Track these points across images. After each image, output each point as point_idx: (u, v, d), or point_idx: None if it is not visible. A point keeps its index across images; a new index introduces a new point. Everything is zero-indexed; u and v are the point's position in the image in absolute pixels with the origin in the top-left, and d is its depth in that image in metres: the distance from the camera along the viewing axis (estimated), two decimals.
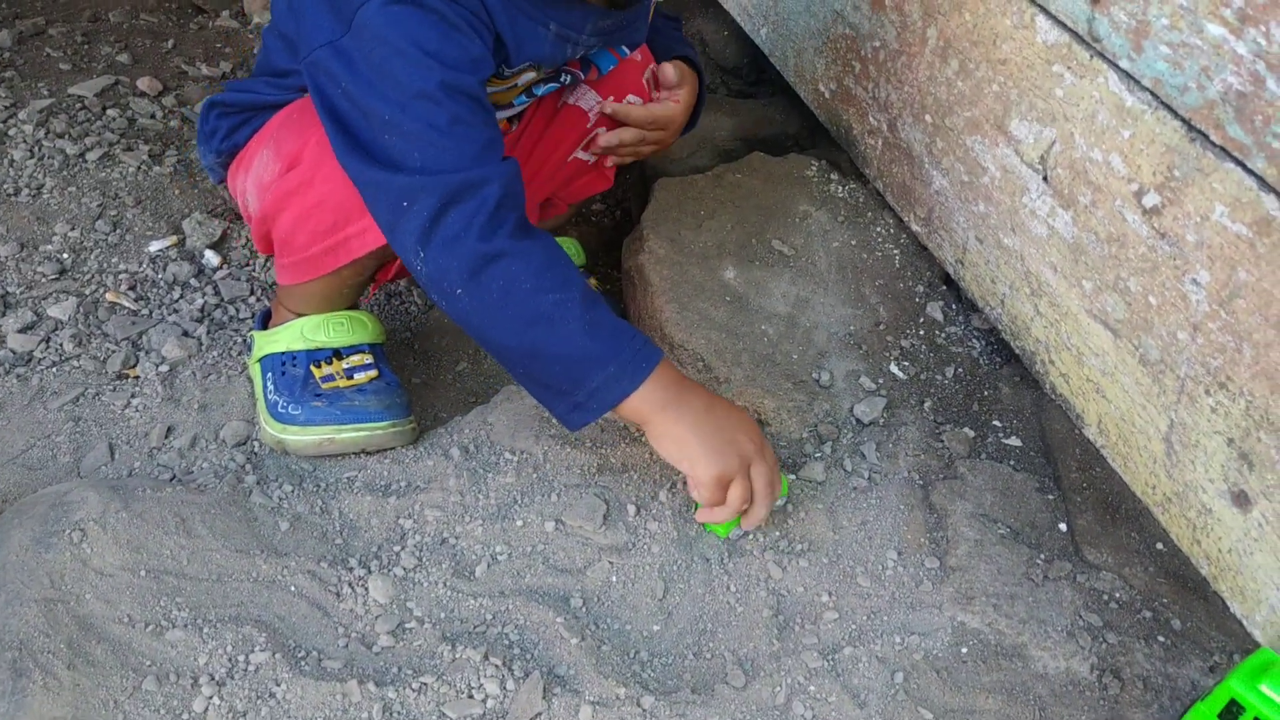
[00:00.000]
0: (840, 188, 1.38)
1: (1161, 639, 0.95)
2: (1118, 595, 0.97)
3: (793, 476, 1.07)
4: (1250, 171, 0.87)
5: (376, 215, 0.95)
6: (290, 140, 1.06)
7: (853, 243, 1.31)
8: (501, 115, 1.15)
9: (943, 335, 1.23)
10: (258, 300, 1.38)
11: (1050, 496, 1.06)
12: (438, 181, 0.91)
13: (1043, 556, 1.00)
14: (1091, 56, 1.01)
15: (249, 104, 1.15)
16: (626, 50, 1.16)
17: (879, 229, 1.33)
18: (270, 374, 1.14)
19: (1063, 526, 1.03)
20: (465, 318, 0.95)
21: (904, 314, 1.24)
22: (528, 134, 1.23)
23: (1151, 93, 0.96)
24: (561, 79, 1.14)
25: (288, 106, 1.10)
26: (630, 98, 1.21)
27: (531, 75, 1.08)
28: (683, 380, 0.98)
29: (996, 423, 1.14)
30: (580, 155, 1.25)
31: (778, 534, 1.03)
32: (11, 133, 1.58)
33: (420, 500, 1.05)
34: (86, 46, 1.84)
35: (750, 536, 1.02)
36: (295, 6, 1.00)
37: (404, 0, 0.91)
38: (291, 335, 1.14)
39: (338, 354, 1.15)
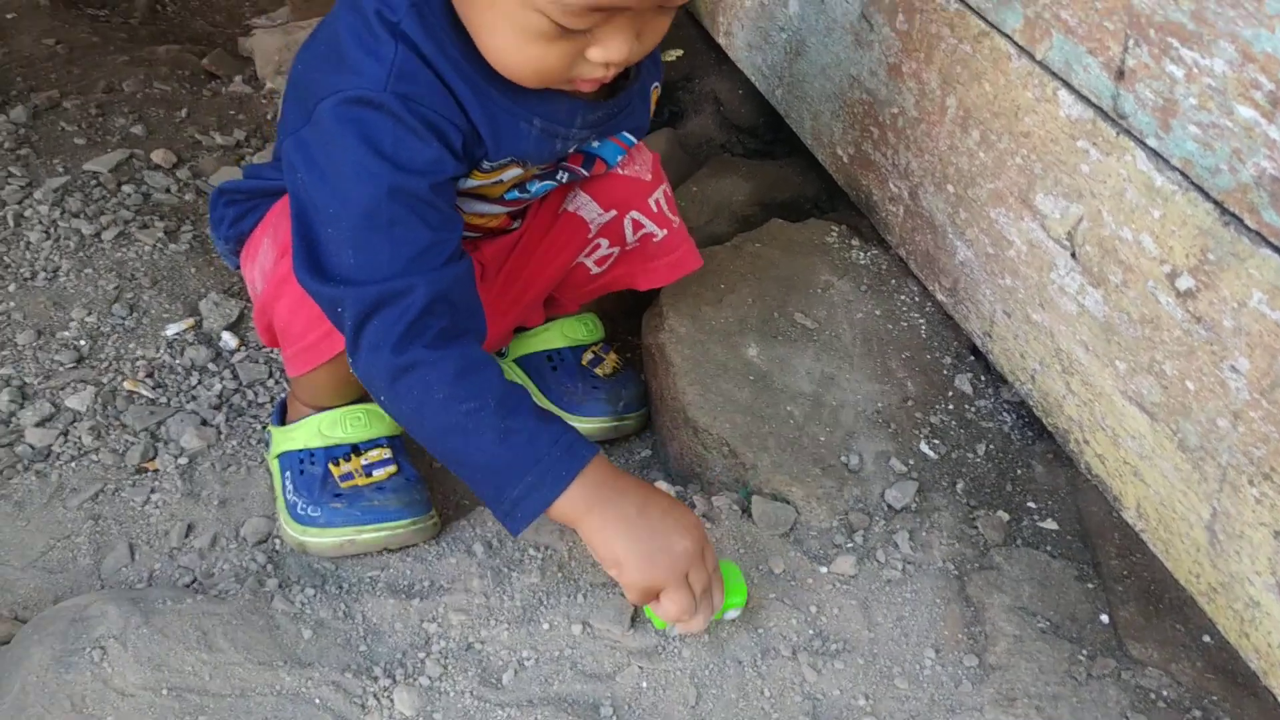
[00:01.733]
0: (862, 254, 1.36)
1: None
2: (1165, 693, 0.94)
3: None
4: None
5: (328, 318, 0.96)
6: (286, 228, 1.04)
7: (877, 313, 1.29)
8: (496, 210, 1.13)
9: (973, 410, 1.21)
10: (276, 383, 1.37)
11: (1090, 585, 1.03)
12: (359, 293, 0.91)
13: (1085, 652, 0.97)
14: (1118, 133, 0.99)
15: (256, 190, 1.14)
16: (631, 138, 1.13)
17: (903, 297, 1.31)
18: (288, 473, 1.13)
19: (1104, 618, 1.01)
20: (395, 419, 0.97)
21: (932, 388, 1.22)
22: (528, 236, 1.21)
23: (1182, 173, 0.93)
24: (558, 177, 1.11)
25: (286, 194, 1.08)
26: (634, 214, 1.19)
27: (518, 171, 1.05)
28: (617, 478, 0.95)
29: (1031, 504, 1.12)
30: (586, 263, 1.23)
31: (811, 632, 1.00)
32: (28, 214, 1.58)
33: (444, 602, 1.03)
34: (101, 119, 1.85)
35: (782, 636, 0.99)
36: (286, 97, 1.00)
37: (360, 101, 0.90)
38: (309, 432, 1.13)
39: (356, 449, 1.13)
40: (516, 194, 1.09)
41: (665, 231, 1.23)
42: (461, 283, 0.95)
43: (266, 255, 1.09)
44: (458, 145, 0.95)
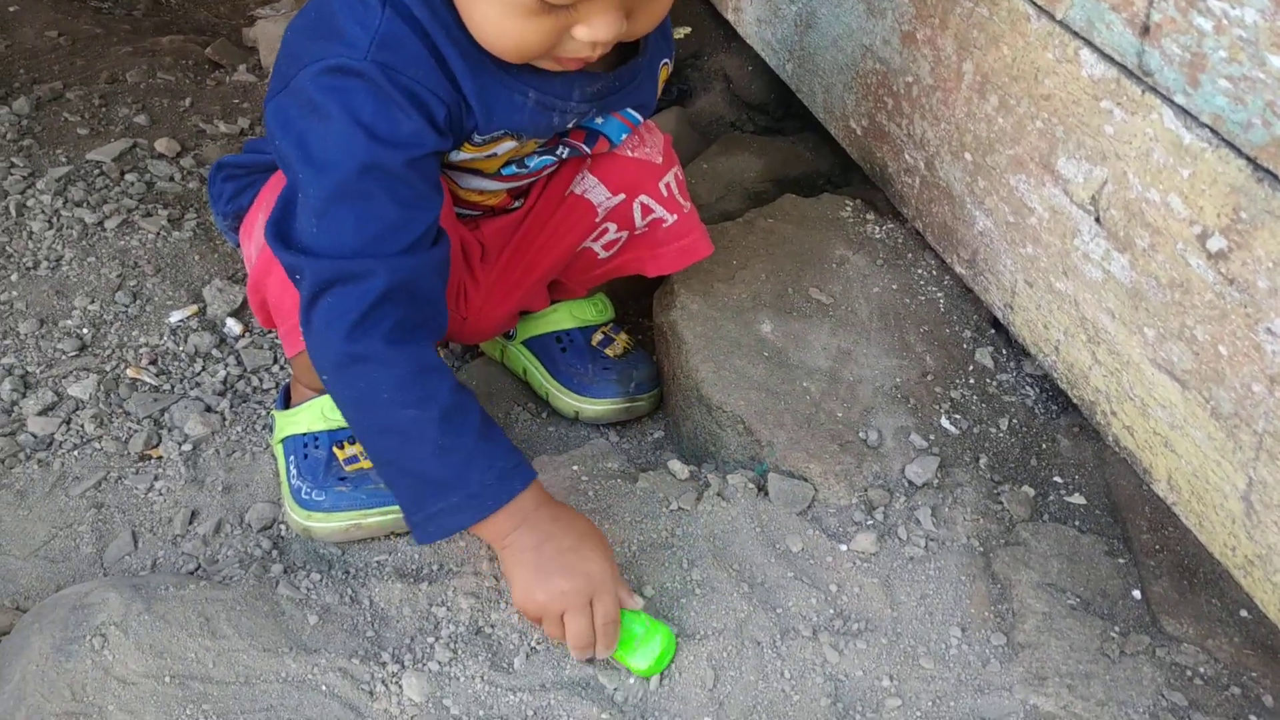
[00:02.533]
0: (877, 228, 1.33)
1: (1254, 718, 0.88)
2: (1202, 670, 0.91)
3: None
4: None
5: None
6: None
7: (894, 287, 1.26)
8: (494, 187, 1.10)
9: (994, 384, 1.17)
10: (281, 369, 1.35)
11: (1121, 560, 1.00)
12: (317, 265, 0.89)
13: (1117, 629, 0.94)
14: (1143, 91, 0.96)
15: (255, 165, 1.12)
16: (637, 116, 1.10)
17: (920, 271, 1.28)
18: (293, 457, 1.11)
19: (1136, 594, 0.97)
20: (334, 401, 0.96)
21: (952, 362, 1.19)
22: (533, 218, 1.17)
23: (1211, 129, 0.90)
24: (559, 152, 1.08)
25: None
26: (643, 198, 1.16)
27: (512, 144, 1.02)
28: (538, 509, 0.95)
29: (1057, 479, 1.08)
30: (593, 248, 1.20)
31: (831, 612, 0.97)
32: (30, 203, 1.56)
33: (453, 586, 1.00)
34: (104, 109, 1.83)
35: (802, 616, 0.96)
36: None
37: (340, 70, 0.88)
38: (312, 415, 1.10)
39: None
40: (514, 169, 1.06)
41: (675, 216, 1.20)
42: (427, 272, 0.92)
43: (262, 230, 1.06)
44: (440, 118, 0.92)
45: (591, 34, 0.85)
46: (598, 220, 1.18)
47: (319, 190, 0.89)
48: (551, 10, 0.84)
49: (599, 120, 1.07)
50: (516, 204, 1.17)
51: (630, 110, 1.09)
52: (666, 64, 1.10)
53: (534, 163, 1.07)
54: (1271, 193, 0.85)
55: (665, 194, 1.19)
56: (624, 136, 1.12)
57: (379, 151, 0.88)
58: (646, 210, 1.19)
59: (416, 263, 0.90)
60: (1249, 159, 0.87)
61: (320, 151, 0.88)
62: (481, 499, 0.92)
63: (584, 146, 1.10)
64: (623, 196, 1.17)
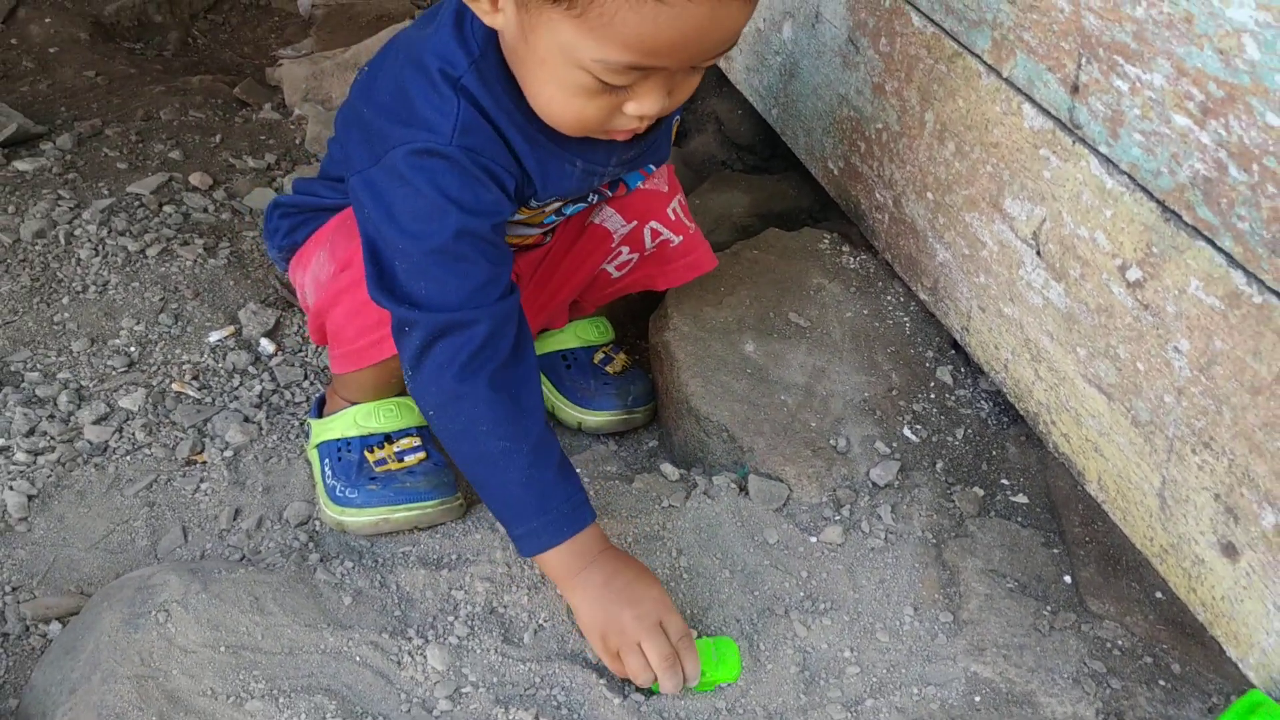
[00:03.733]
0: (852, 259, 1.47)
1: (1162, 683, 1.01)
2: (1120, 643, 1.04)
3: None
4: (1219, 249, 0.95)
5: (393, 331, 1.07)
6: (343, 245, 1.16)
7: (865, 312, 1.40)
8: (532, 231, 1.25)
9: (952, 398, 1.31)
10: (310, 385, 1.48)
11: (1055, 550, 1.13)
12: (430, 318, 1.02)
13: (1049, 608, 1.07)
14: (1074, 142, 1.10)
15: (308, 206, 1.25)
16: (652, 166, 1.26)
17: (889, 298, 1.42)
18: (327, 460, 1.24)
19: (1067, 579, 1.11)
20: (437, 434, 1.09)
21: (915, 379, 1.33)
22: (557, 246, 1.33)
23: (1129, 176, 1.04)
24: (590, 199, 1.24)
25: (342, 213, 1.20)
26: (653, 223, 1.31)
27: (559, 203, 1.18)
28: (601, 547, 1.07)
29: (1004, 481, 1.22)
30: (608, 269, 1.35)
31: (802, 594, 1.11)
32: (77, 233, 1.69)
33: (470, 572, 1.14)
34: (141, 145, 1.97)
35: (776, 597, 1.10)
36: (343, 137, 1.11)
37: (429, 152, 1.00)
38: (345, 423, 1.24)
39: (389, 438, 1.24)
40: (554, 218, 1.23)
41: (681, 237, 1.35)
42: (514, 315, 1.06)
43: (322, 267, 1.20)
44: (511, 189, 1.07)
45: (640, 109, 0.97)
46: (613, 245, 1.33)
47: (418, 253, 1.01)
48: (608, 90, 0.95)
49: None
50: (546, 239, 1.32)
51: (649, 164, 1.26)
52: (678, 119, 1.25)
53: (570, 210, 1.23)
54: (1176, 231, 0.99)
55: (673, 218, 1.34)
56: (639, 183, 1.28)
57: (469, 220, 1.02)
58: (655, 234, 1.34)
59: (508, 308, 1.05)
60: (1159, 202, 1.01)
61: (413, 221, 1.01)
62: (557, 527, 1.05)
63: (608, 193, 1.27)
64: (635, 223, 1.32)
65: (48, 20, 2.34)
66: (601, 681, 1.03)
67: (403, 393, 1.28)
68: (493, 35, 1.02)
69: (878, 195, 1.44)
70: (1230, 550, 0.97)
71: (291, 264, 1.27)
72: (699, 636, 1.06)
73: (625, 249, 1.34)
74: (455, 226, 1.01)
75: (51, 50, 2.27)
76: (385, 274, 1.04)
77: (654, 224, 1.33)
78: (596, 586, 1.05)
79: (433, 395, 1.04)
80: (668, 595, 1.06)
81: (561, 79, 0.95)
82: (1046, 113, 1.13)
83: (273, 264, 1.67)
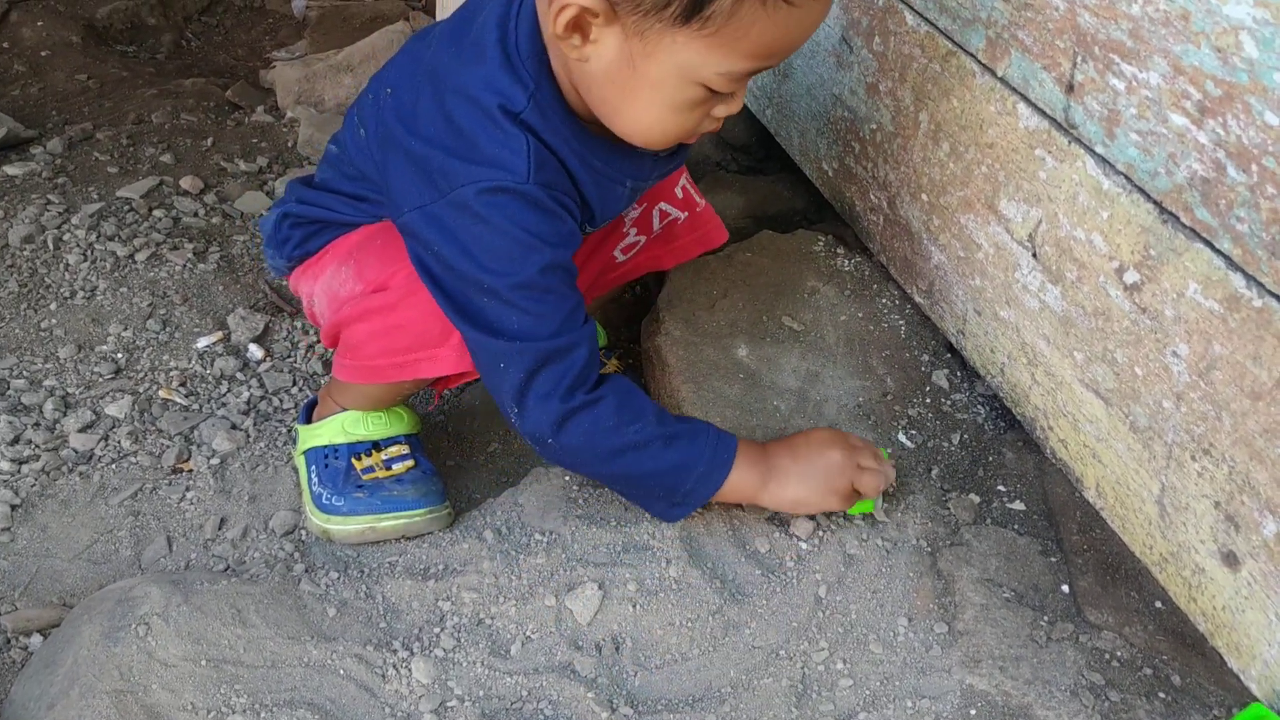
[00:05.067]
0: (846, 262, 1.45)
1: (1162, 695, 0.99)
2: (1119, 654, 1.02)
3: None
4: (1218, 251, 0.93)
5: (478, 366, 1.06)
6: (374, 266, 1.14)
7: (859, 315, 1.38)
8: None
9: (948, 403, 1.29)
10: (300, 390, 1.46)
11: (1053, 559, 1.11)
12: (532, 348, 1.01)
13: (1046, 618, 1.05)
14: (1070, 142, 1.08)
15: (317, 218, 1.21)
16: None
17: (884, 301, 1.40)
18: (314, 467, 1.22)
19: (1065, 588, 1.09)
20: (559, 459, 1.09)
21: (910, 383, 1.31)
22: None
23: (1126, 177, 1.02)
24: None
25: (367, 229, 1.17)
26: (662, 204, 1.30)
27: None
28: (758, 448, 1.11)
29: (1001, 487, 1.20)
30: (614, 253, 1.34)
31: (793, 604, 1.08)
32: (66, 237, 1.68)
33: (457, 583, 1.12)
34: (132, 149, 1.96)
35: (767, 608, 1.08)
36: (380, 161, 1.08)
37: (502, 190, 0.99)
38: (333, 430, 1.22)
39: (377, 446, 1.22)
40: (590, 231, 1.21)
41: (687, 213, 1.34)
42: (596, 335, 1.08)
43: (343, 283, 1.17)
44: (579, 219, 1.07)
45: (729, 109, 1.00)
46: (625, 230, 1.32)
47: (505, 288, 1.00)
48: (710, 99, 0.97)
49: None
50: None
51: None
52: None
53: (606, 222, 1.22)
54: (1174, 233, 0.97)
55: (680, 195, 1.33)
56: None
57: (555, 254, 1.02)
58: (664, 215, 1.33)
59: (592, 330, 1.06)
60: (1156, 203, 0.99)
61: (494, 259, 1.00)
62: (718, 459, 1.08)
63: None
64: (644, 205, 1.31)
65: (40, 23, 2.32)
66: (589, 695, 1.01)
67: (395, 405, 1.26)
68: (545, 66, 1.01)
69: (872, 197, 1.42)
70: (1231, 559, 0.95)
71: (298, 272, 1.24)
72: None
73: (634, 231, 1.33)
74: (542, 262, 1.01)
75: (43, 53, 2.26)
76: (468, 310, 1.03)
77: (663, 205, 1.32)
78: (789, 466, 1.10)
79: (546, 424, 1.04)
80: (829, 428, 1.15)
81: (673, 98, 0.96)
82: (1042, 112, 1.11)
83: (264, 270, 1.66)
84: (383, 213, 1.16)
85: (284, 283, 1.57)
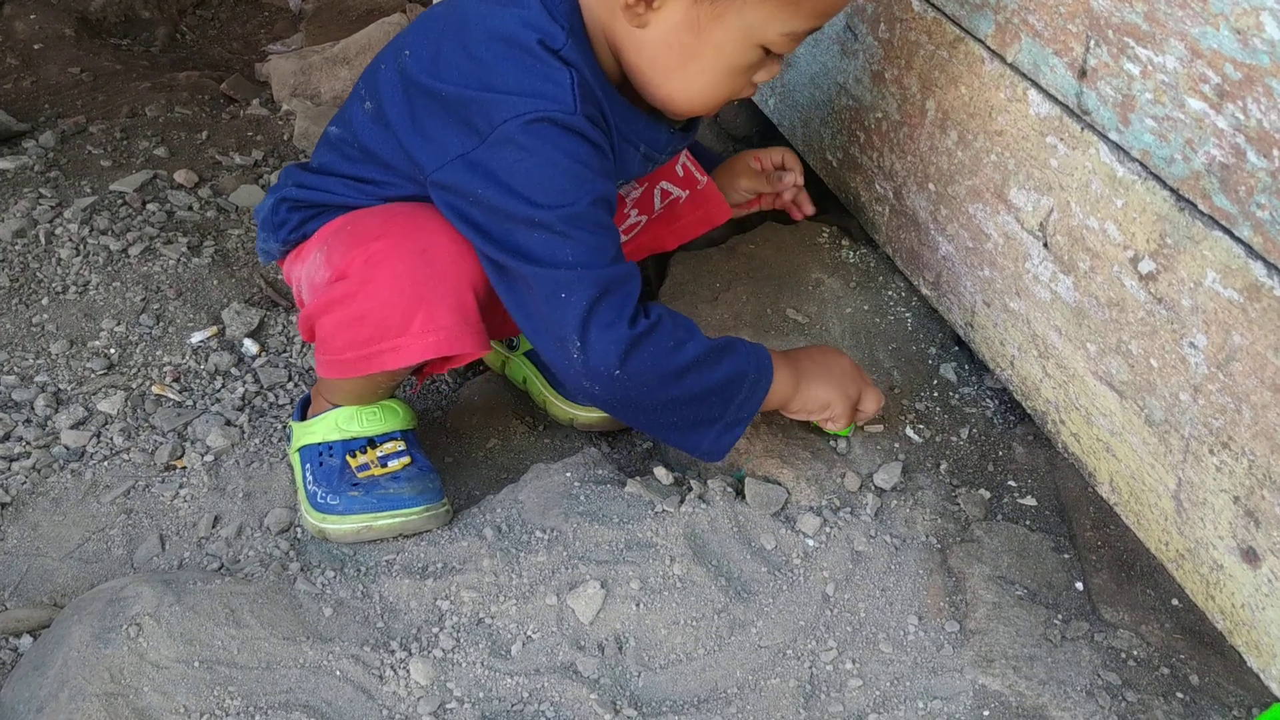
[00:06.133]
0: (851, 253, 1.42)
1: (1180, 695, 0.97)
2: (1135, 653, 0.99)
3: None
4: (1238, 239, 0.90)
5: (526, 306, 1.03)
6: (340, 252, 1.11)
7: (865, 308, 1.35)
8: None
9: (956, 396, 1.26)
10: (295, 386, 1.44)
11: (1066, 555, 1.09)
12: (594, 275, 1.00)
13: (1060, 616, 1.02)
14: (1083, 129, 1.05)
15: (315, 201, 1.18)
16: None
17: (890, 293, 1.37)
18: (309, 464, 1.20)
19: (1079, 585, 1.06)
20: (620, 393, 1.05)
21: (918, 376, 1.28)
22: None
23: (1141, 163, 0.99)
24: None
25: (344, 215, 1.14)
26: (663, 184, 1.28)
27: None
28: (785, 355, 1.14)
29: (1011, 483, 1.17)
30: None
31: (801, 602, 1.06)
32: (58, 232, 1.66)
33: (456, 581, 1.09)
34: (125, 142, 1.93)
35: (774, 606, 1.05)
36: (418, 123, 1.05)
37: (548, 119, 0.98)
38: (327, 427, 1.20)
39: (372, 443, 1.20)
40: None
41: (688, 192, 1.33)
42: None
43: (317, 270, 1.14)
44: (612, 162, 1.07)
45: (770, 74, 1.05)
46: (626, 211, 1.31)
47: (557, 221, 0.99)
48: (761, 61, 1.02)
49: None
50: None
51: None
52: None
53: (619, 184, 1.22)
54: (1191, 220, 0.94)
55: (681, 174, 1.31)
56: None
57: (604, 185, 1.02)
58: (665, 194, 1.32)
59: (638, 267, 1.06)
60: (1172, 190, 0.96)
61: (543, 191, 0.99)
62: (760, 366, 1.09)
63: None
64: (646, 185, 1.29)
65: (33, 16, 2.30)
66: (593, 697, 0.99)
67: (387, 398, 1.23)
68: (579, 16, 1.03)
69: (878, 187, 1.40)
70: (1251, 555, 0.93)
71: (290, 257, 1.22)
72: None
73: (634, 211, 1.31)
74: (594, 193, 1.01)
75: (36, 46, 2.24)
76: (520, 249, 1.01)
77: (664, 184, 1.31)
78: (819, 376, 1.14)
79: (614, 353, 1.01)
80: (836, 350, 1.19)
81: (733, 62, 1.01)
82: (1053, 99, 1.09)
83: (259, 264, 1.63)
84: (388, 193, 1.13)
85: (279, 274, 1.54)
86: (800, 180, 1.39)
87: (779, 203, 1.42)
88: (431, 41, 1.05)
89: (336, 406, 1.21)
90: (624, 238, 1.32)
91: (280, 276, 1.56)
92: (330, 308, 1.11)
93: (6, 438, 1.33)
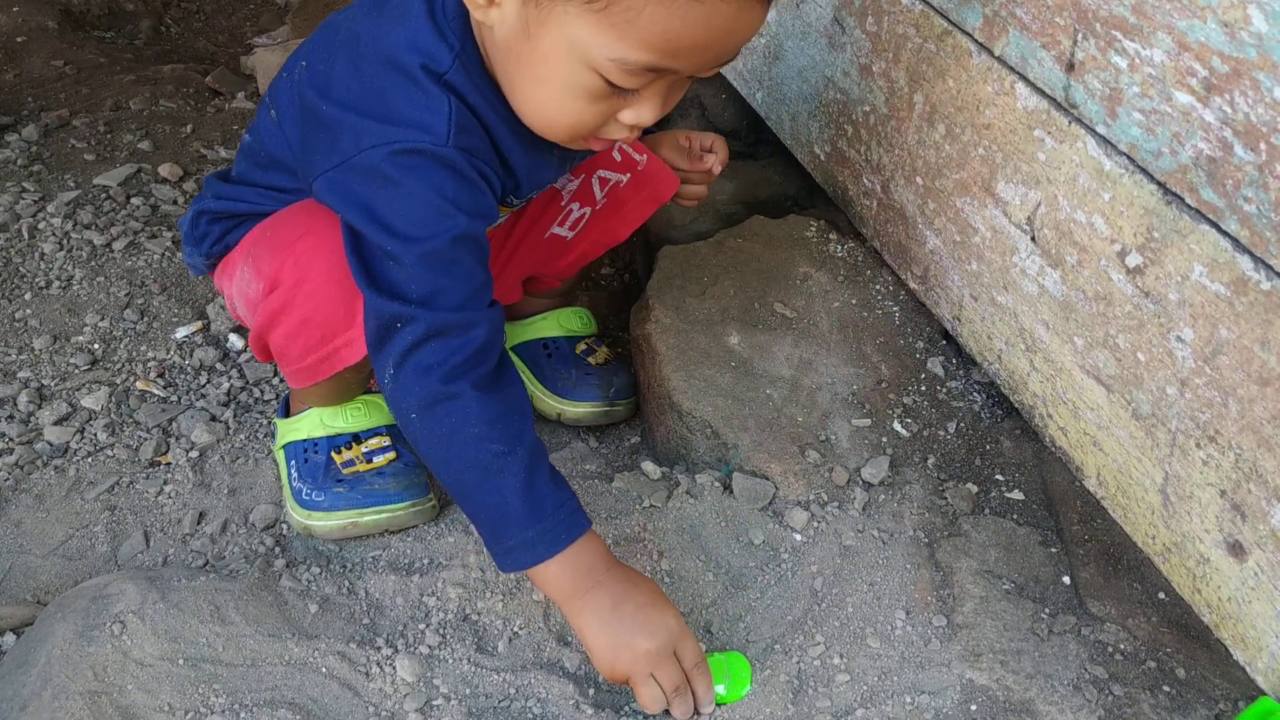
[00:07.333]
0: (839, 247, 1.42)
1: (1167, 689, 0.97)
2: (1122, 647, 1.00)
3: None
4: (1224, 233, 0.90)
5: (367, 330, 0.99)
6: (267, 260, 1.08)
7: (853, 302, 1.35)
8: (502, 218, 1.20)
9: (944, 390, 1.26)
10: (281, 381, 1.43)
11: (1053, 549, 1.09)
12: (431, 315, 0.94)
13: (1047, 610, 1.02)
14: (1070, 122, 1.05)
15: (235, 212, 1.16)
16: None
17: (878, 287, 1.37)
18: (294, 461, 1.19)
19: (1066, 579, 1.06)
20: (415, 441, 0.99)
21: (905, 371, 1.28)
22: (510, 215, 1.27)
23: (1128, 157, 0.99)
24: (559, 182, 1.20)
25: (261, 223, 1.12)
26: (601, 172, 1.26)
27: (534, 193, 1.14)
28: (604, 563, 0.99)
29: (999, 477, 1.17)
30: (559, 232, 1.29)
31: (789, 597, 1.06)
32: (41, 226, 1.65)
33: (442, 577, 1.09)
34: (109, 135, 1.92)
35: (762, 601, 1.05)
36: (300, 138, 1.03)
37: (419, 152, 0.94)
38: (311, 423, 1.19)
39: (356, 438, 1.19)
40: (518, 202, 1.16)
41: (629, 174, 1.28)
42: (503, 321, 1.01)
43: (249, 284, 1.12)
44: (499, 192, 1.02)
45: (637, 117, 0.92)
46: (563, 204, 1.28)
47: (410, 256, 0.94)
48: (612, 94, 0.90)
49: None
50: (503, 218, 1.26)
51: None
52: None
53: (535, 192, 1.17)
54: (1179, 214, 0.94)
55: (619, 158, 1.27)
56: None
57: (468, 224, 0.95)
58: (604, 182, 1.28)
59: (498, 314, 0.99)
60: (1159, 184, 0.96)
61: (405, 224, 0.94)
62: (554, 535, 0.96)
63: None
64: (582, 176, 1.27)
65: (15, 9, 2.28)
66: (578, 692, 0.98)
67: (366, 392, 1.23)
68: (469, 27, 0.96)
69: (865, 181, 1.39)
70: (1237, 549, 0.93)
71: (217, 271, 1.19)
72: (708, 653, 1.01)
73: (575, 205, 1.28)
74: (455, 231, 0.94)
75: (19, 39, 2.22)
76: (373, 271, 0.97)
77: (601, 172, 1.26)
78: (606, 610, 0.96)
79: (415, 397, 0.96)
80: (682, 619, 0.99)
81: (565, 79, 0.90)
82: (1041, 92, 1.08)
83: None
84: (303, 200, 1.10)
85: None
86: (718, 170, 1.31)
87: (685, 188, 1.31)
88: (328, 57, 1.02)
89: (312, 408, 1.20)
90: (570, 233, 1.30)
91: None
92: (275, 321, 1.09)
93: None
